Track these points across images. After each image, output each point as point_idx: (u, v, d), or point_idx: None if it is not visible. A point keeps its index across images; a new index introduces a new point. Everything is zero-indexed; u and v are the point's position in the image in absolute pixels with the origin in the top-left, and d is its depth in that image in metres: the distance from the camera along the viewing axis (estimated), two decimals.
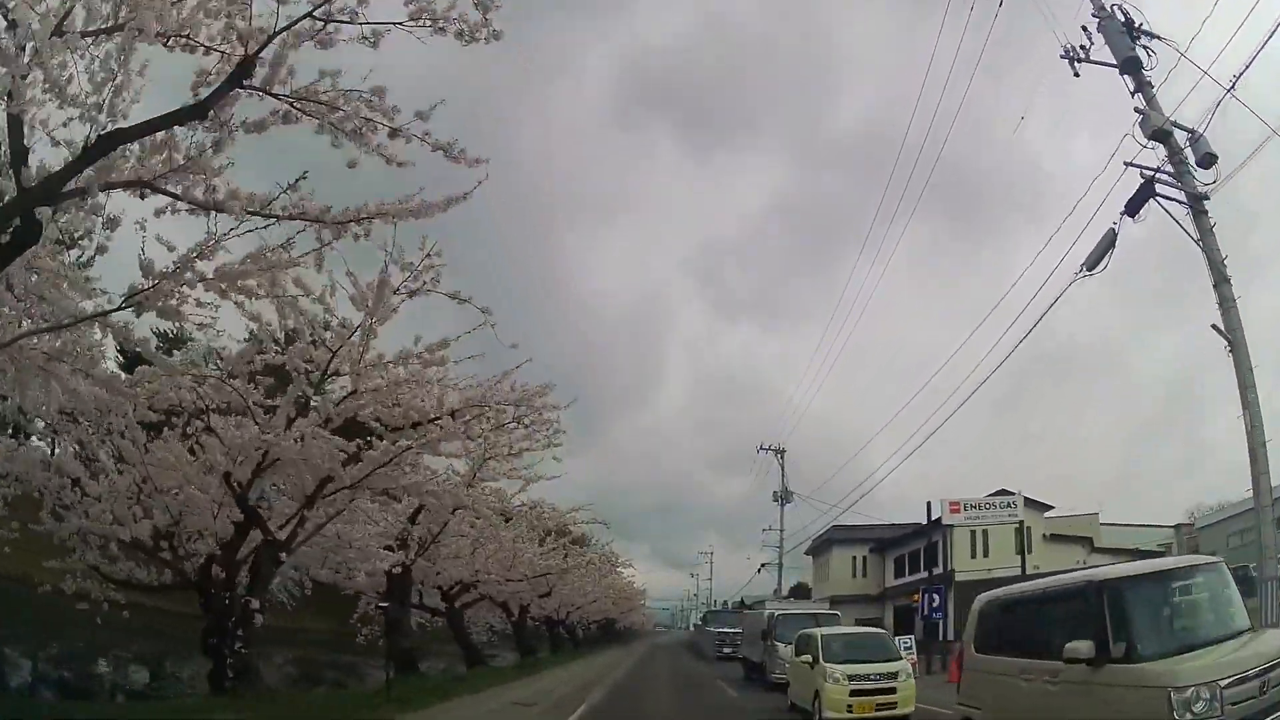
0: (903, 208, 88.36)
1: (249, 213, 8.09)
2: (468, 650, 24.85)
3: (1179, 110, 14.73)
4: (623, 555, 43.85)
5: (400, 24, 7.24)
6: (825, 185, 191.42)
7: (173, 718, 10.38)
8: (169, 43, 7.97)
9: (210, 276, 8.03)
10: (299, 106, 8.09)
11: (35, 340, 9.08)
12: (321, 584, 25.04)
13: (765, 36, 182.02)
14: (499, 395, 11.33)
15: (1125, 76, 15.79)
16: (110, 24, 7.13)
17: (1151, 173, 14.94)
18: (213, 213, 8.25)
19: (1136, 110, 15.35)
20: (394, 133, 8.04)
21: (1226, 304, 14.59)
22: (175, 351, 16.50)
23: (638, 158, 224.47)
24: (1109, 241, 15.43)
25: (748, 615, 31.25)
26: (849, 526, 46.63)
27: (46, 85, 7.86)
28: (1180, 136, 14.75)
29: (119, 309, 7.93)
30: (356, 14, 7.04)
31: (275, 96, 7.99)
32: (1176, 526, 45.42)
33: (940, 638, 27.40)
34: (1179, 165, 14.81)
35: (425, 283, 10.05)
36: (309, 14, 7.06)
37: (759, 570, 56.70)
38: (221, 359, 11.15)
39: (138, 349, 9.37)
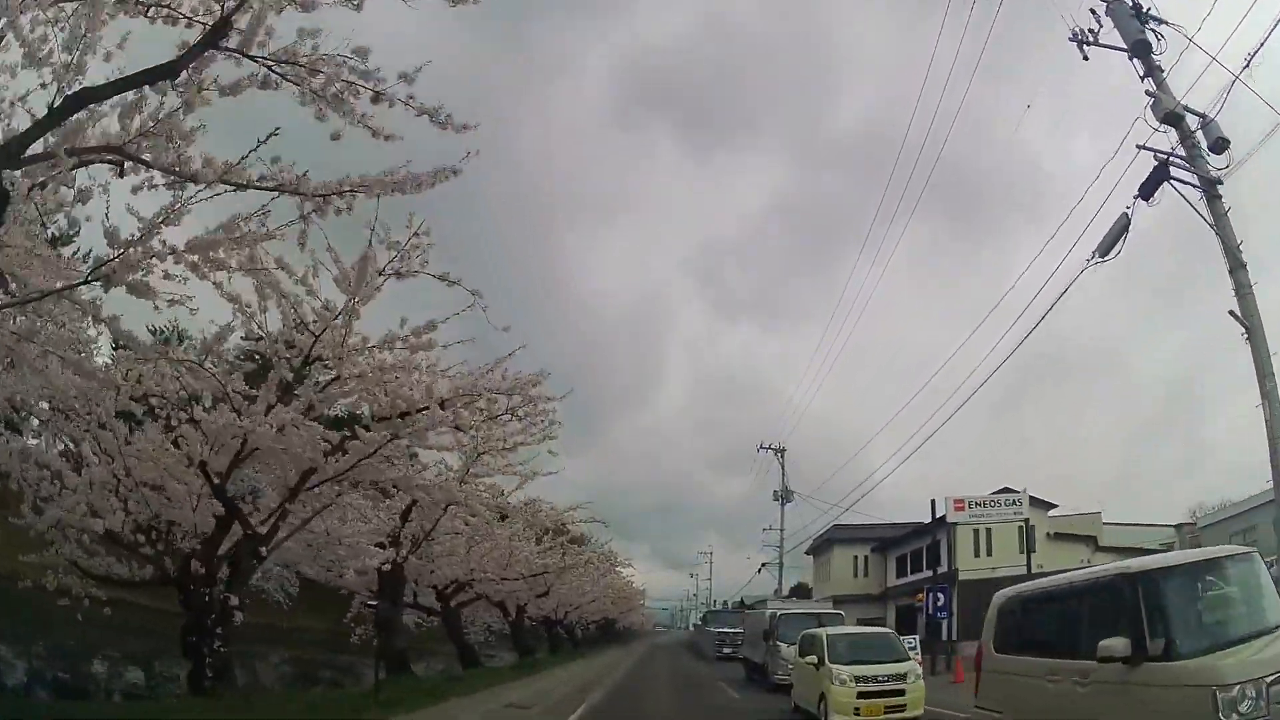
0: (903, 208, 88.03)
1: (222, 182, 7.62)
2: (463, 650, 24.34)
3: (1187, 97, 14.46)
4: (622, 555, 43.35)
5: None
6: (825, 185, 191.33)
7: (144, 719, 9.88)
8: (149, 12, 7.58)
9: (182, 249, 7.53)
10: (278, 70, 7.67)
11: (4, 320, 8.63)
12: (318, 583, 24.58)
13: (765, 36, 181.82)
14: (491, 384, 10.78)
15: (1134, 60, 15.50)
16: None
17: (1165, 155, 14.62)
18: (188, 185, 7.82)
19: (1147, 94, 15.07)
20: (377, 97, 7.59)
21: (1243, 290, 14.18)
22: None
23: (638, 158, 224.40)
24: (1122, 227, 15.12)
25: (749, 615, 30.78)
26: (850, 526, 46.21)
27: (21, 47, 7.48)
28: (1192, 121, 14.47)
29: (84, 283, 7.43)
30: None
31: (252, 59, 7.56)
32: (1178, 526, 45.09)
33: (946, 637, 26.91)
34: (1191, 150, 14.51)
35: (413, 264, 9.54)
36: None
37: (759, 570, 56.31)
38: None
39: (115, 335, 8.89)
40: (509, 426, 12.86)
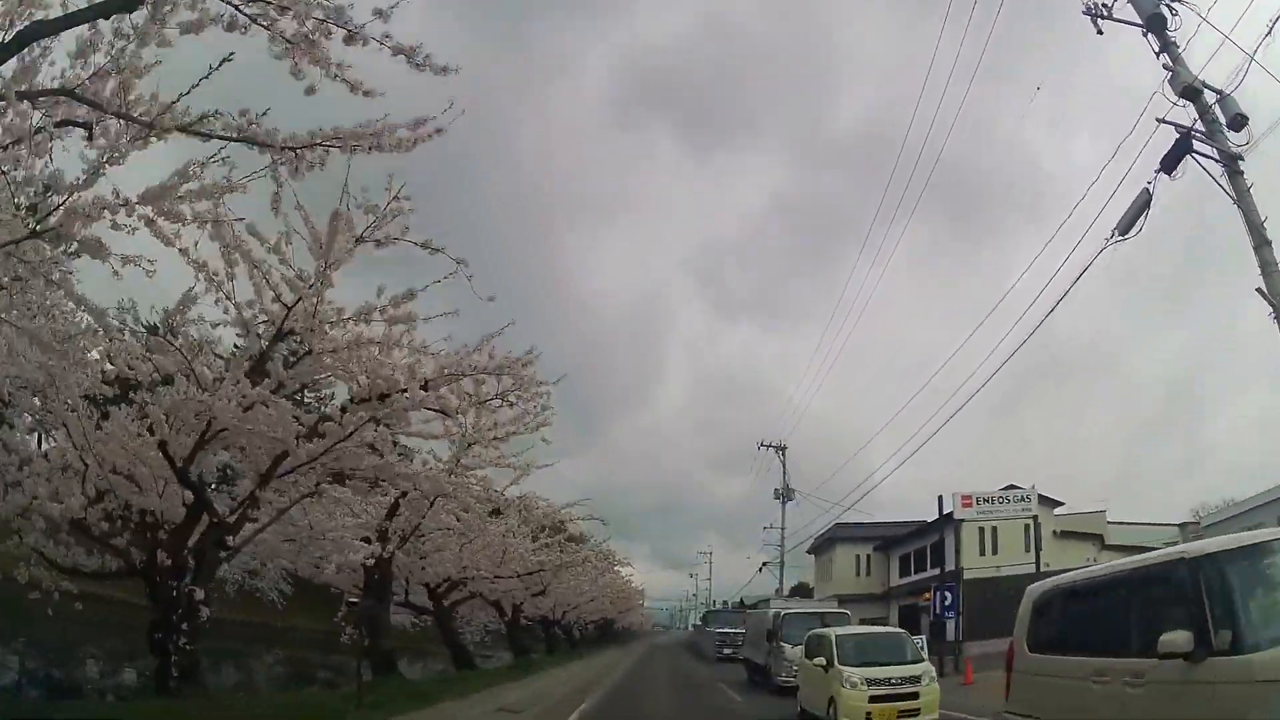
0: (903, 208, 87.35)
1: (181, 130, 6.93)
2: (456, 651, 23.57)
3: (1203, 75, 14.04)
4: (621, 554, 42.66)
5: None
6: (825, 185, 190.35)
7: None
8: None
9: (135, 200, 6.84)
10: (245, 11, 6.99)
11: None
12: (313, 583, 23.81)
13: (765, 36, 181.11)
14: (477, 363, 10.02)
15: (1149, 36, 15.10)
16: None
17: (1187, 129, 14.16)
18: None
19: (1164, 68, 14.66)
20: (350, 37, 6.90)
21: (1269, 268, 13.57)
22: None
23: (638, 158, 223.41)
24: (1143, 203, 14.64)
25: (751, 615, 30.04)
26: (853, 524, 45.54)
27: None
28: (1209, 97, 14.06)
29: (30, 236, 6.71)
30: None
31: None
32: (1182, 525, 44.72)
33: (954, 637, 26.15)
34: (1210, 125, 14.07)
35: (392, 229, 8.82)
36: None
37: (760, 569, 55.52)
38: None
39: (68, 297, 8.18)
40: (500, 414, 12.11)
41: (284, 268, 9.19)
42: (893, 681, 12.25)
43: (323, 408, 10.32)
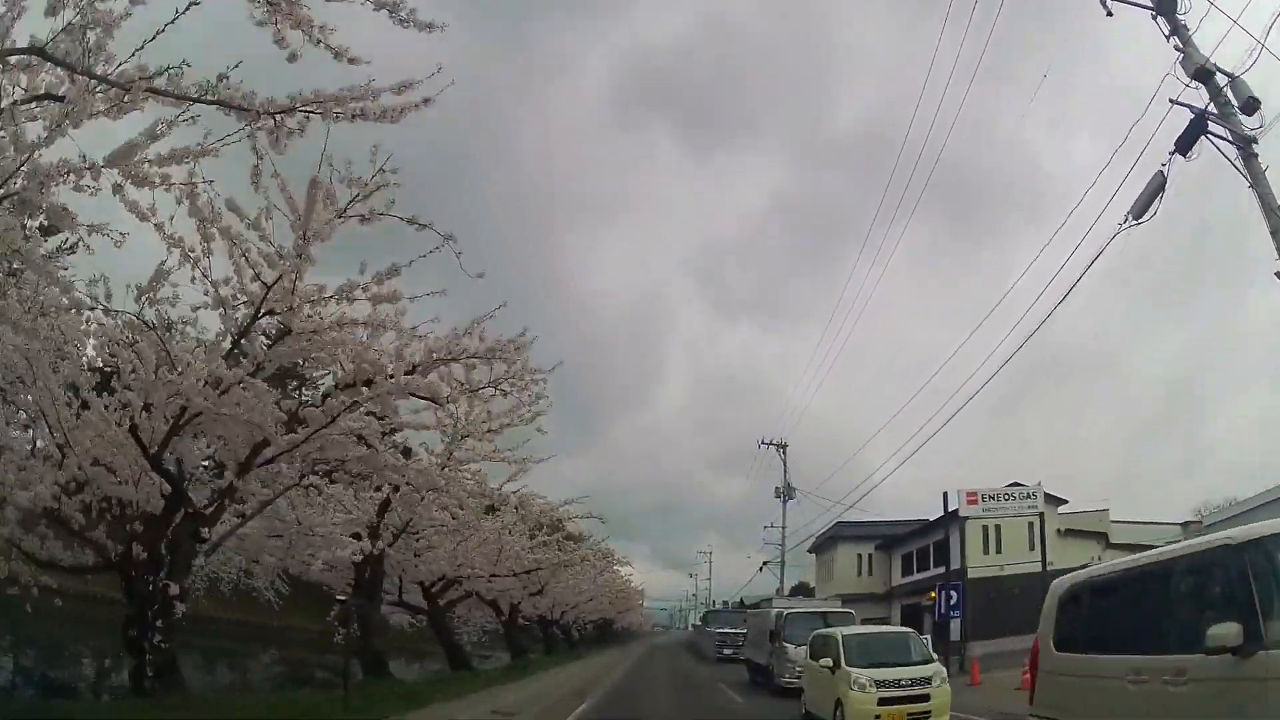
0: (903, 208, 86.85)
1: (152, 92, 6.47)
2: (451, 651, 23.04)
3: (1214, 60, 13.73)
4: (621, 554, 42.12)
5: None
6: (825, 185, 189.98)
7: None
8: None
9: (102, 164, 6.39)
10: None
11: None
12: (310, 582, 23.30)
13: (765, 36, 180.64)
14: (468, 347, 9.51)
15: (1159, 18, 14.77)
16: None
17: (1201, 109, 13.92)
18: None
19: (1176, 49, 14.38)
20: None
21: None
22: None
23: (638, 158, 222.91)
24: (1157, 186, 14.34)
25: (753, 615, 29.52)
26: (854, 523, 45.04)
27: None
28: (1221, 80, 13.82)
29: None
30: None
31: None
32: (1185, 524, 44.43)
33: (959, 637, 25.67)
34: (1223, 107, 13.84)
35: (377, 204, 8.31)
36: None
37: (760, 569, 54.94)
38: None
39: (30, 267, 7.69)
40: (494, 404, 11.60)
41: (264, 244, 8.68)
42: (902, 683, 11.77)
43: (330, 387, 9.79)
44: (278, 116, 7.35)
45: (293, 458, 10.06)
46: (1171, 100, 13.70)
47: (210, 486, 11.70)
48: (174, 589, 9.20)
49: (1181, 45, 13.96)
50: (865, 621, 26.85)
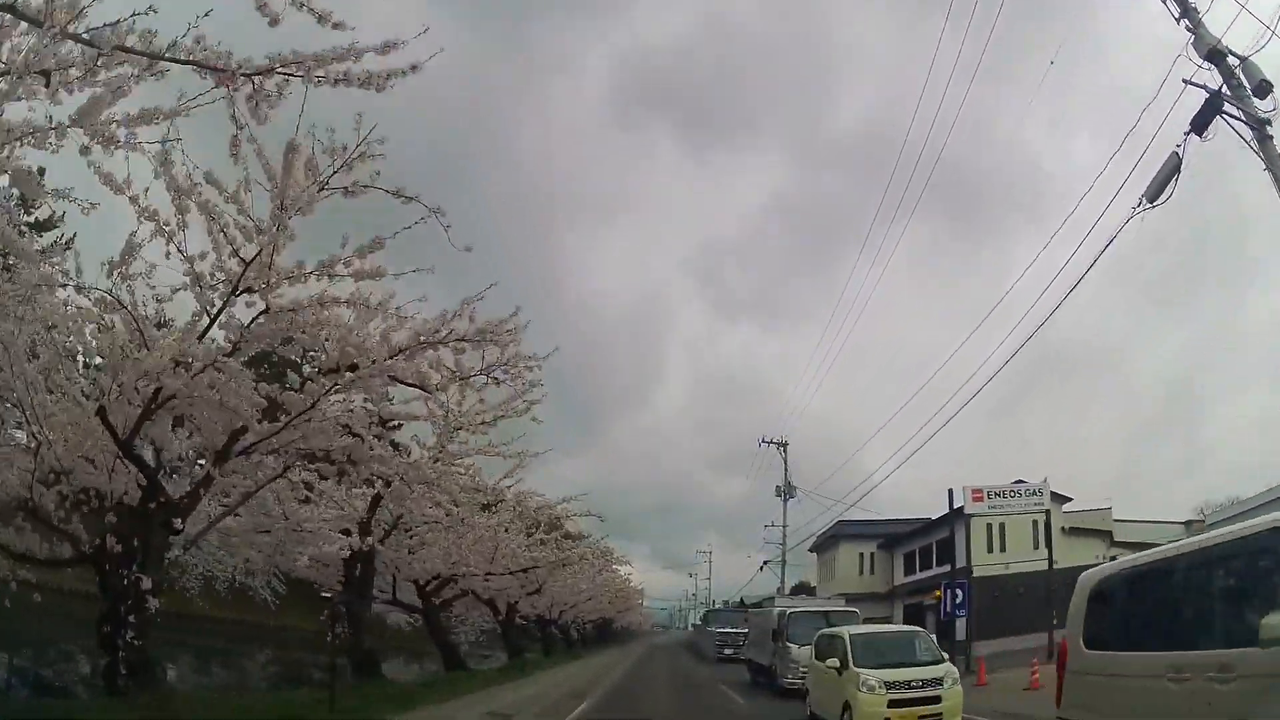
0: (903, 208, 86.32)
1: (122, 50, 5.99)
2: (446, 651, 22.51)
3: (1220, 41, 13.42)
4: (620, 553, 41.61)
5: None
6: (825, 185, 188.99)
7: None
8: None
9: (67, 123, 5.93)
10: None
11: None
12: (308, 581, 22.80)
13: (765, 36, 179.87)
14: (457, 330, 8.98)
15: (1170, 1, 14.45)
16: None
17: (1215, 90, 13.66)
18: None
19: (1187, 29, 14.10)
20: None
21: None
22: None
23: (638, 158, 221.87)
24: (1172, 167, 14.07)
25: (755, 614, 29.02)
26: (857, 521, 44.59)
27: None
28: (1233, 61, 13.61)
29: None
30: None
31: None
32: (1188, 523, 44.26)
33: (965, 636, 25.17)
34: (1236, 89, 13.55)
35: (361, 175, 7.82)
36: None
37: (761, 568, 54.45)
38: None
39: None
40: (487, 393, 11.05)
41: (243, 218, 8.17)
42: (913, 684, 11.27)
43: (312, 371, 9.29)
44: (255, 79, 6.89)
45: (274, 447, 9.55)
46: (1185, 80, 13.52)
47: (191, 478, 11.18)
48: (146, 583, 8.68)
49: (1192, 26, 13.69)
50: (867, 621, 26.39)
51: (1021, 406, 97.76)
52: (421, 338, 8.86)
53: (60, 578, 13.35)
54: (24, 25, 6.16)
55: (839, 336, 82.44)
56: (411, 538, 17.61)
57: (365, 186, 8.11)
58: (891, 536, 46.23)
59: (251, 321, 8.26)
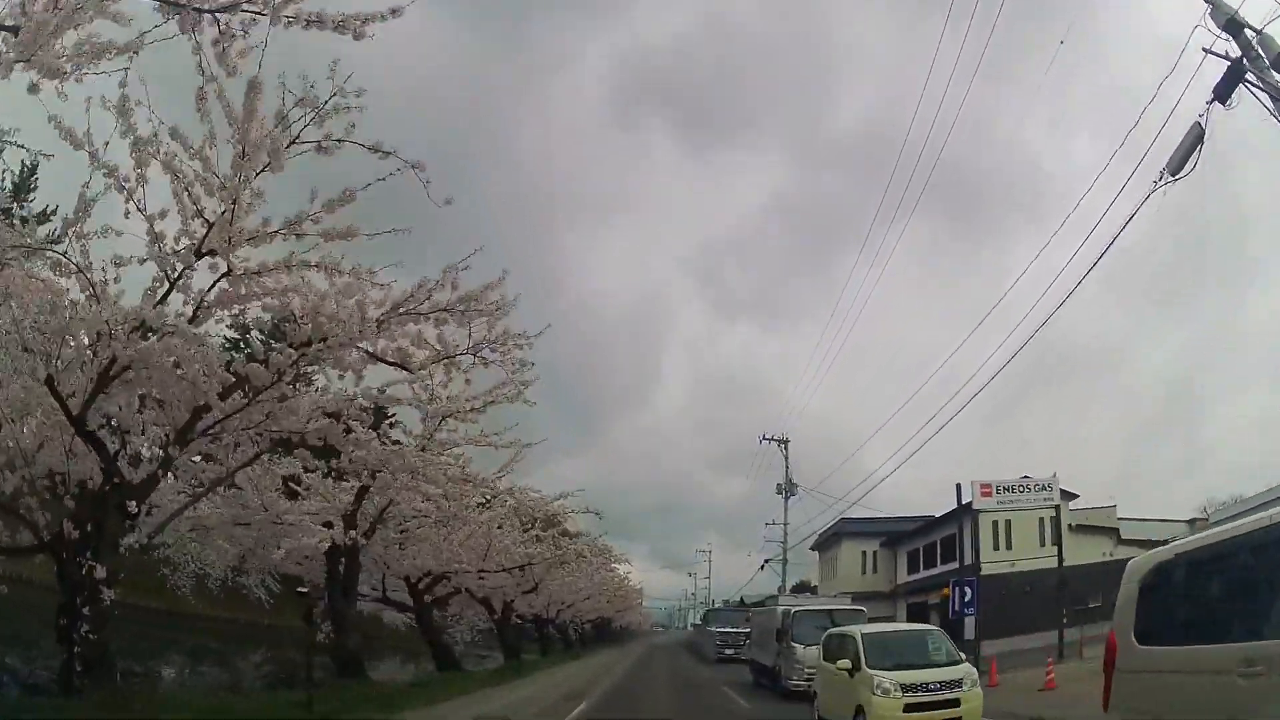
0: (903, 208, 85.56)
1: None
2: (439, 651, 21.76)
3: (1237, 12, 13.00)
4: (619, 551, 40.89)
5: None
6: (825, 185, 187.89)
7: None
8: None
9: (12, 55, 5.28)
10: None
11: None
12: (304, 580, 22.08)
13: (765, 36, 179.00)
14: (439, 301, 8.23)
15: None
16: None
17: (1237, 57, 13.22)
18: None
19: (1206, 0, 13.65)
20: None
21: None
22: None
23: (637, 157, 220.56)
24: (1195, 138, 13.57)
25: (757, 613, 28.28)
26: (859, 519, 43.87)
27: None
28: (1250, 35, 13.23)
29: None
30: None
31: None
32: (1191, 521, 43.80)
33: (973, 636, 24.43)
34: (1255, 60, 13.12)
35: (334, 129, 7.09)
36: None
37: (762, 567, 53.71)
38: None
39: None
40: (475, 375, 10.28)
41: (209, 175, 7.45)
42: (931, 686, 10.55)
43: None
44: (219, 17, 6.20)
45: (241, 427, 8.82)
46: (1204, 49, 13.18)
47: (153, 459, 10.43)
48: (100, 572, 7.95)
49: None
50: (871, 621, 25.63)
51: (1021, 406, 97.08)
52: (400, 309, 8.12)
53: (30, 568, 12.68)
54: None
55: (839, 336, 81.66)
56: (401, 532, 16.88)
57: (340, 140, 7.41)
58: (894, 534, 45.59)
59: (212, 286, 7.54)
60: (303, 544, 11.90)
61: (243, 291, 7.61)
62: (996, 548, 35.88)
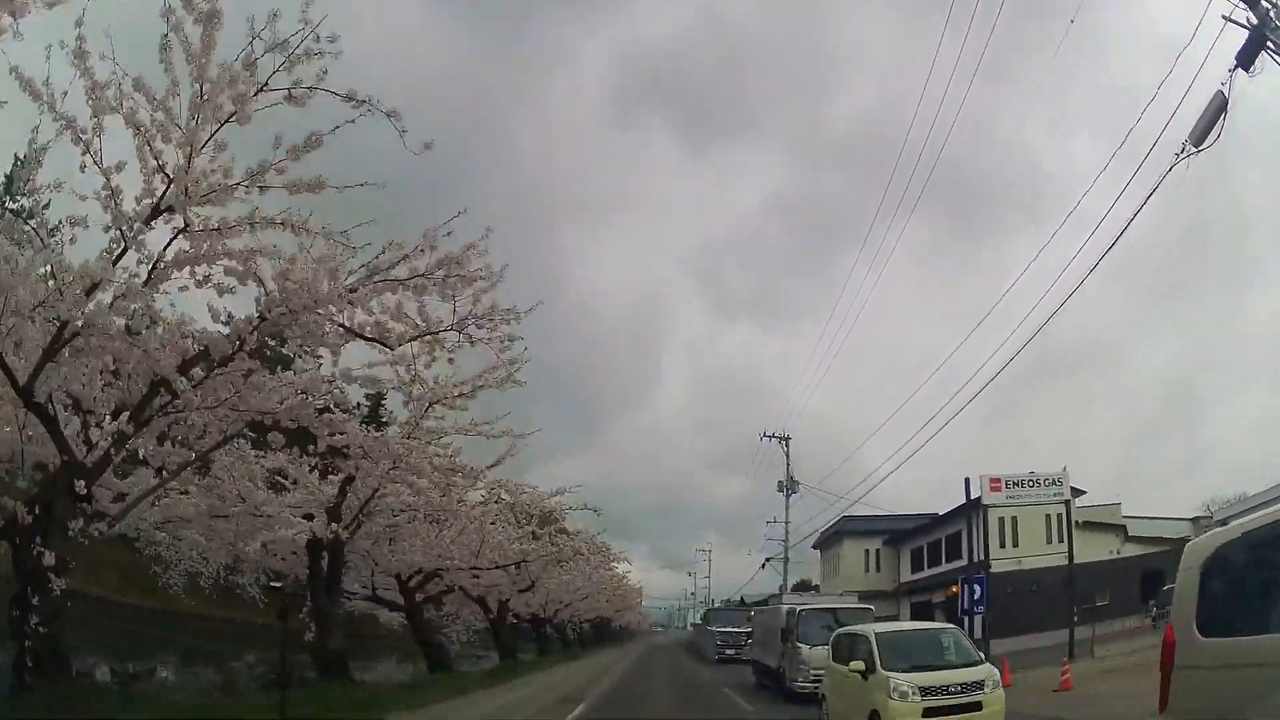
0: (902, 207, 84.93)
1: None
2: (430, 651, 21.02)
3: None
4: (618, 550, 40.17)
5: None
6: (825, 184, 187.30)
7: None
8: None
9: None
10: None
11: None
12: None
13: (765, 35, 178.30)
14: (417, 268, 7.51)
15: None
16: None
17: (1258, 24, 12.80)
18: None
19: None
20: None
21: None
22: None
23: (637, 157, 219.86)
24: (1218, 107, 13.11)
25: (760, 612, 27.59)
26: (861, 517, 43.22)
27: None
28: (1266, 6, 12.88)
29: None
30: None
31: None
32: (1195, 519, 43.52)
33: (981, 635, 23.76)
34: (1274, 30, 12.78)
35: (306, 75, 6.39)
36: None
37: (763, 566, 52.97)
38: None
39: None
40: (461, 355, 9.56)
41: (170, 125, 6.76)
42: (951, 689, 9.85)
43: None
44: None
45: (207, 405, 8.09)
46: (1224, 17, 12.65)
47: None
48: (49, 558, 7.24)
49: None
50: (877, 620, 24.92)
51: (1021, 405, 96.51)
52: (376, 276, 7.41)
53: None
54: None
55: (839, 336, 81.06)
56: (390, 528, 16.14)
57: (311, 88, 6.70)
58: (898, 532, 45.02)
59: (169, 243, 6.84)
60: (280, 536, 11.19)
61: (204, 250, 6.89)
62: (1003, 545, 35.22)
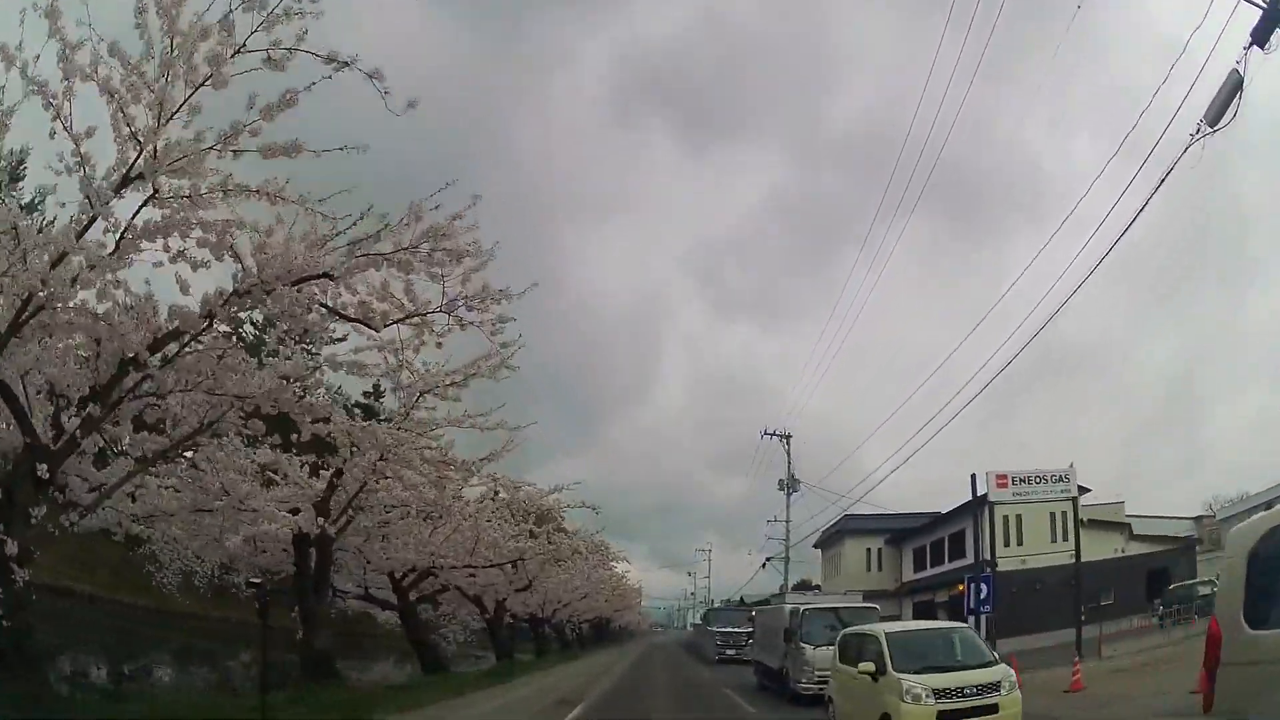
0: (902, 207, 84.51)
1: None
2: (424, 651, 20.55)
3: None
4: (618, 549, 39.72)
5: None
6: (824, 184, 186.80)
7: None
8: None
9: None
10: None
11: None
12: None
13: (765, 35, 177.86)
14: (402, 241, 7.04)
15: None
16: None
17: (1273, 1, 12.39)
18: None
19: None
20: None
21: None
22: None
23: (637, 157, 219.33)
24: (1234, 86, 12.61)
25: (762, 612, 27.11)
26: (863, 516, 42.75)
27: None
28: None
29: None
30: None
31: None
32: (1197, 518, 43.40)
33: (988, 635, 23.29)
34: None
35: (285, 36, 5.94)
36: None
37: (764, 565, 52.50)
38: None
39: None
40: (450, 343, 9.10)
41: (144, 88, 6.31)
42: (966, 691, 9.40)
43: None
44: None
45: (181, 388, 7.63)
46: None
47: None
48: (11, 548, 6.77)
49: None
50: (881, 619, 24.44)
51: (1021, 405, 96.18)
52: (359, 250, 6.94)
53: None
54: None
55: (839, 336, 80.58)
56: (382, 524, 15.66)
57: (290, 49, 6.24)
58: (900, 532, 44.59)
59: (137, 211, 6.39)
60: (263, 530, 10.73)
61: (177, 218, 6.43)
62: (1007, 544, 34.78)
